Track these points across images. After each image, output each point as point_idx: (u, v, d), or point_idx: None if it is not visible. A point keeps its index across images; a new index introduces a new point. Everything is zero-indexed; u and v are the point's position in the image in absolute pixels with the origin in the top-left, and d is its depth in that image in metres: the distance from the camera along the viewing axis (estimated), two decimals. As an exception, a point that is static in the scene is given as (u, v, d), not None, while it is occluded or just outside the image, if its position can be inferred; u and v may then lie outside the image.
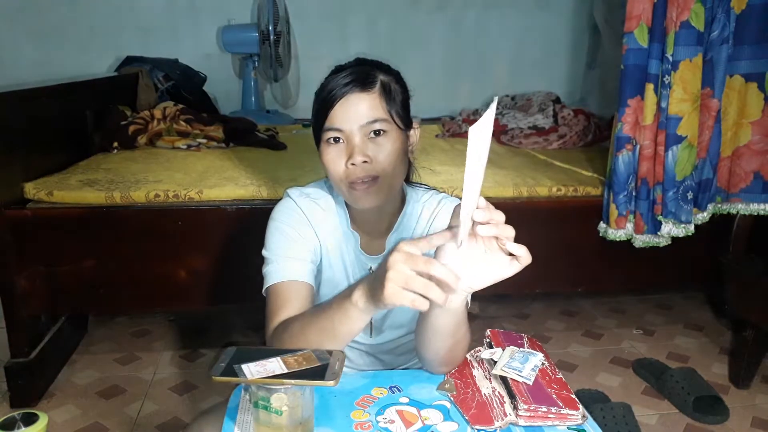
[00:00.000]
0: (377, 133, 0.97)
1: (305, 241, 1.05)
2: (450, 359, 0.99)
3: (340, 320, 0.84)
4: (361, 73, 0.99)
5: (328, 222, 1.08)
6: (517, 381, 0.94)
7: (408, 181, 1.13)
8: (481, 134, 0.70)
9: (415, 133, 1.07)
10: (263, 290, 1.04)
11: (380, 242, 1.09)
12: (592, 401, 1.84)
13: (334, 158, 0.98)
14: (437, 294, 0.73)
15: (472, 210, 0.74)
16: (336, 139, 0.98)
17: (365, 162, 0.96)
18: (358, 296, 0.81)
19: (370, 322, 1.11)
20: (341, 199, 1.07)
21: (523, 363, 0.93)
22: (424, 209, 1.10)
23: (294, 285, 1.00)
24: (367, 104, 0.97)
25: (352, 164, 0.96)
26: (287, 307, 0.97)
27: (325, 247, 1.08)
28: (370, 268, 1.08)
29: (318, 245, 1.07)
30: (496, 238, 0.78)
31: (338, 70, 1.01)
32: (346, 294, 0.83)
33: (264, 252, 1.06)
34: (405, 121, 1.03)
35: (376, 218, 1.07)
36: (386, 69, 1.03)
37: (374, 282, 0.78)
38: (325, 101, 0.98)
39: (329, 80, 0.99)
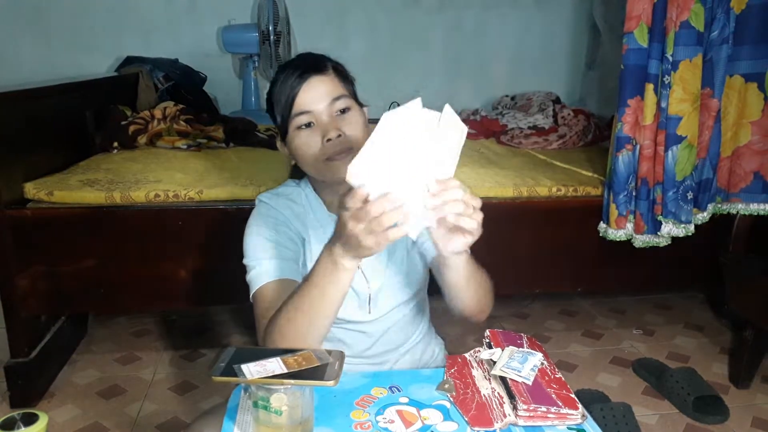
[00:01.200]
0: (343, 111, 1.05)
1: (284, 239, 1.07)
2: (480, 307, 1.04)
3: (329, 285, 0.85)
4: (313, 59, 1.07)
5: (305, 214, 1.12)
6: (517, 381, 0.94)
7: None
8: (400, 122, 0.73)
9: (366, 112, 1.13)
10: (250, 297, 1.04)
11: None
12: (592, 401, 1.84)
13: (307, 141, 1.04)
14: (397, 218, 0.74)
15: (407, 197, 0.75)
16: (307, 124, 1.04)
17: (339, 136, 1.02)
18: (339, 256, 0.82)
19: (368, 300, 1.12)
20: (310, 190, 1.13)
21: (523, 363, 0.93)
22: None
23: (279, 284, 1.01)
24: (327, 85, 1.04)
25: (328, 140, 1.02)
26: (275, 306, 0.97)
27: (308, 237, 1.11)
28: None
29: (299, 238, 1.10)
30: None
31: (287, 65, 1.08)
32: (326, 261, 0.84)
33: (244, 261, 1.07)
34: (358, 99, 1.11)
35: None
36: (329, 58, 1.11)
37: (346, 240, 0.78)
38: (288, 92, 1.04)
39: (283, 75, 1.05)
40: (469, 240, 0.82)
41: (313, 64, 1.05)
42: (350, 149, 1.03)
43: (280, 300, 0.96)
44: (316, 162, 1.04)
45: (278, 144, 1.14)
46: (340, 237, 0.80)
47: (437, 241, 0.84)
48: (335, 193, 1.11)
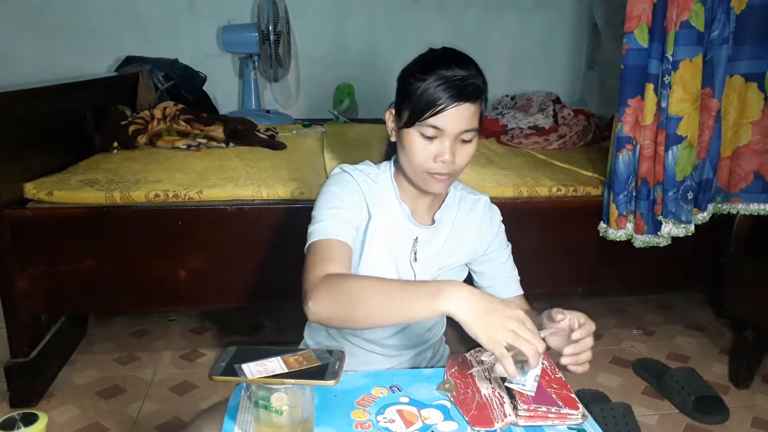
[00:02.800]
0: (465, 141, 1.06)
1: (355, 206, 1.10)
2: None
3: (413, 308, 0.88)
4: (472, 84, 1.04)
5: (379, 194, 1.15)
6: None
7: None
8: None
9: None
10: (306, 247, 1.06)
11: (425, 215, 1.18)
12: (592, 401, 1.84)
13: (423, 149, 1.06)
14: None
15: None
16: (431, 137, 1.05)
17: (450, 161, 1.05)
18: (446, 307, 0.86)
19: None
20: (389, 175, 1.16)
21: (525, 375, 0.93)
22: (462, 198, 1.21)
23: (337, 244, 1.04)
24: (469, 114, 1.04)
25: (441, 161, 1.05)
26: (332, 261, 1.00)
27: (375, 216, 1.13)
28: (416, 237, 1.16)
29: (367, 214, 1.13)
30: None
31: (444, 64, 1.05)
32: (432, 292, 0.87)
33: (313, 212, 1.10)
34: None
35: (427, 196, 1.16)
36: (477, 69, 1.09)
37: (493, 310, 0.85)
38: (433, 99, 1.02)
39: (440, 80, 1.03)
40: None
41: (471, 90, 1.04)
42: (452, 175, 1.07)
43: (335, 258, 1.01)
44: (417, 167, 1.07)
45: (387, 114, 1.14)
46: (486, 298, 0.86)
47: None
48: (412, 191, 1.15)
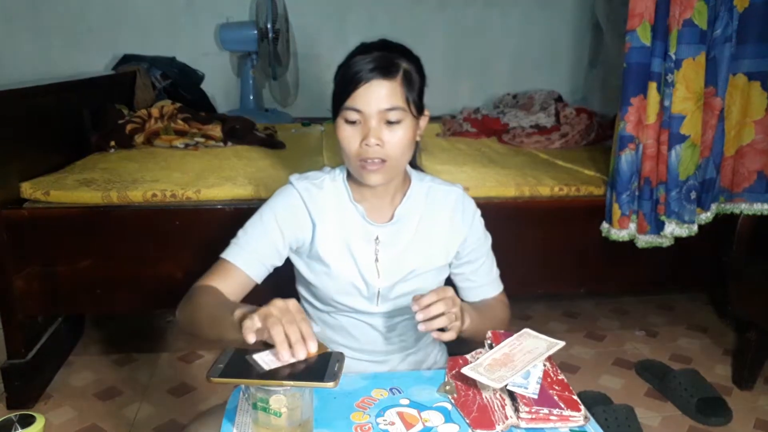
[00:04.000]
0: (392, 122, 1.04)
1: (283, 234, 1.12)
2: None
3: (224, 329, 0.92)
4: (387, 59, 1.04)
5: (324, 200, 1.14)
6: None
7: (412, 163, 1.21)
8: None
9: (424, 119, 1.13)
10: (220, 255, 1.13)
11: (386, 213, 1.15)
12: (595, 403, 1.83)
13: (350, 137, 1.05)
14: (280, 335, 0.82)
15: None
16: (353, 121, 1.04)
17: (378, 145, 1.03)
18: (238, 319, 0.88)
19: (377, 291, 1.14)
20: (341, 177, 1.15)
21: (526, 378, 0.91)
22: (431, 191, 1.18)
23: (237, 271, 1.10)
24: (387, 91, 1.02)
25: (366, 144, 1.03)
26: (219, 280, 1.09)
27: (320, 224, 1.12)
28: (377, 237, 1.13)
29: (310, 224, 1.13)
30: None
31: (364, 50, 1.06)
32: (236, 313, 0.89)
33: (240, 230, 1.15)
34: (418, 107, 1.09)
35: (381, 191, 1.13)
36: (409, 55, 1.08)
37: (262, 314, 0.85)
38: (348, 82, 1.03)
39: (356, 60, 1.04)
40: (452, 335, 0.98)
41: (384, 65, 1.02)
42: (383, 161, 1.04)
43: (227, 280, 1.09)
44: (350, 156, 1.06)
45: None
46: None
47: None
48: (366, 190, 1.13)
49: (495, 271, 1.26)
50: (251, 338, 0.82)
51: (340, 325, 1.18)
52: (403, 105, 1.04)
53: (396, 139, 1.04)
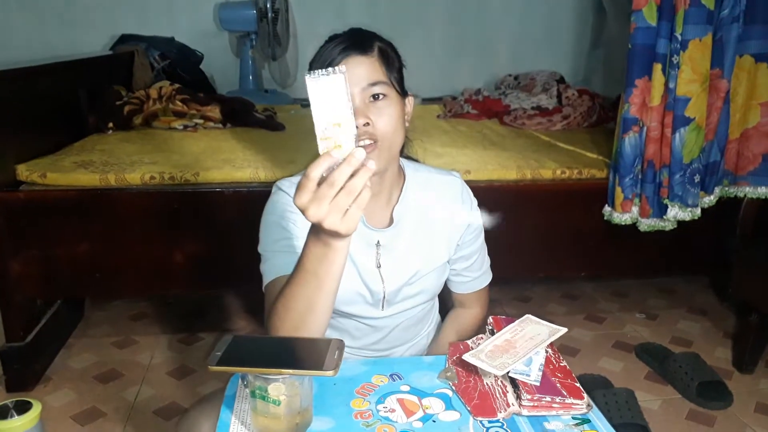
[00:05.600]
0: (377, 96, 0.98)
1: (298, 231, 1.03)
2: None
3: (321, 267, 0.80)
4: (360, 37, 1.01)
5: None
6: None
7: (403, 154, 1.15)
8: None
9: (410, 103, 1.08)
10: (263, 288, 1.02)
11: (384, 214, 1.09)
12: (595, 387, 1.82)
13: None
14: (359, 185, 0.70)
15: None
16: None
17: (366, 125, 0.96)
18: (327, 236, 0.76)
19: (383, 297, 1.10)
20: None
21: (528, 365, 0.90)
22: (427, 181, 1.12)
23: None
24: (366, 67, 0.98)
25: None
26: None
27: None
28: (378, 241, 1.07)
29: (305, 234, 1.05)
30: None
31: (334, 37, 1.02)
32: (315, 243, 0.79)
33: (259, 249, 1.06)
34: (402, 88, 1.04)
35: (377, 189, 1.06)
36: (380, 38, 1.04)
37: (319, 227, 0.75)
38: (324, 66, 0.96)
39: (326, 47, 1.00)
40: None
41: (358, 42, 0.99)
42: (375, 141, 0.97)
43: None
44: None
45: None
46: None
47: None
48: None
49: (486, 262, 1.23)
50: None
51: (343, 327, 1.15)
52: (386, 80, 0.99)
53: (385, 116, 0.98)
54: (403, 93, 1.04)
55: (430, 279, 1.13)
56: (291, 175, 1.14)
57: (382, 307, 1.12)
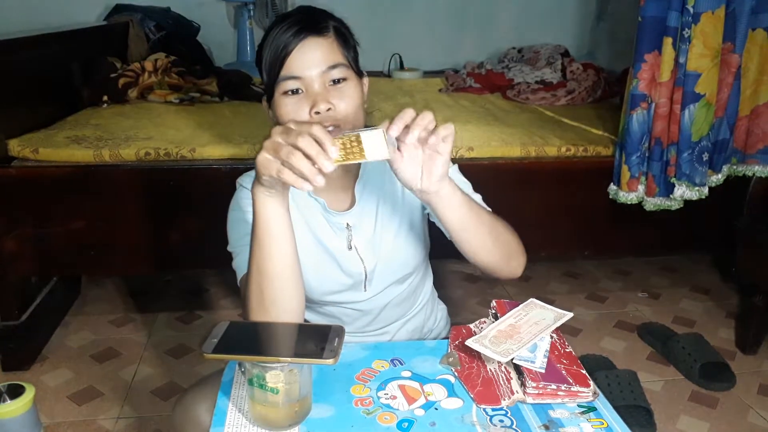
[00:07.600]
0: (338, 81, 0.95)
1: None
2: (501, 255, 1.00)
3: (260, 230, 0.85)
4: (313, 17, 0.96)
5: None
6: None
7: None
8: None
9: (365, 83, 1.04)
10: (238, 283, 1.01)
11: (346, 195, 1.06)
12: (597, 368, 1.81)
13: (294, 109, 0.94)
14: (300, 162, 0.73)
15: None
16: (295, 91, 0.94)
17: (329, 110, 0.93)
18: (258, 193, 0.83)
19: (365, 277, 1.06)
20: None
21: (533, 351, 0.88)
22: None
23: None
24: (324, 49, 0.94)
25: (317, 112, 0.93)
26: None
27: None
28: (347, 224, 1.05)
29: None
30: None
31: (283, 18, 0.96)
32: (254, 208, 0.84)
33: (228, 248, 1.04)
34: (358, 68, 1.01)
35: (340, 172, 1.02)
36: (333, 16, 1.00)
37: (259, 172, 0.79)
38: (278, 51, 0.93)
39: (277, 29, 0.95)
40: (444, 158, 0.82)
41: (312, 23, 0.94)
42: (338, 126, 0.93)
43: None
44: None
45: (263, 104, 1.04)
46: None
47: (413, 177, 0.84)
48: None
49: (477, 197, 1.12)
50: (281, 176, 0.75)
51: (331, 315, 1.13)
52: (344, 61, 0.96)
53: (347, 99, 0.94)
54: (359, 73, 1.01)
55: (409, 247, 1.09)
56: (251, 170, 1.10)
57: (365, 288, 1.08)
